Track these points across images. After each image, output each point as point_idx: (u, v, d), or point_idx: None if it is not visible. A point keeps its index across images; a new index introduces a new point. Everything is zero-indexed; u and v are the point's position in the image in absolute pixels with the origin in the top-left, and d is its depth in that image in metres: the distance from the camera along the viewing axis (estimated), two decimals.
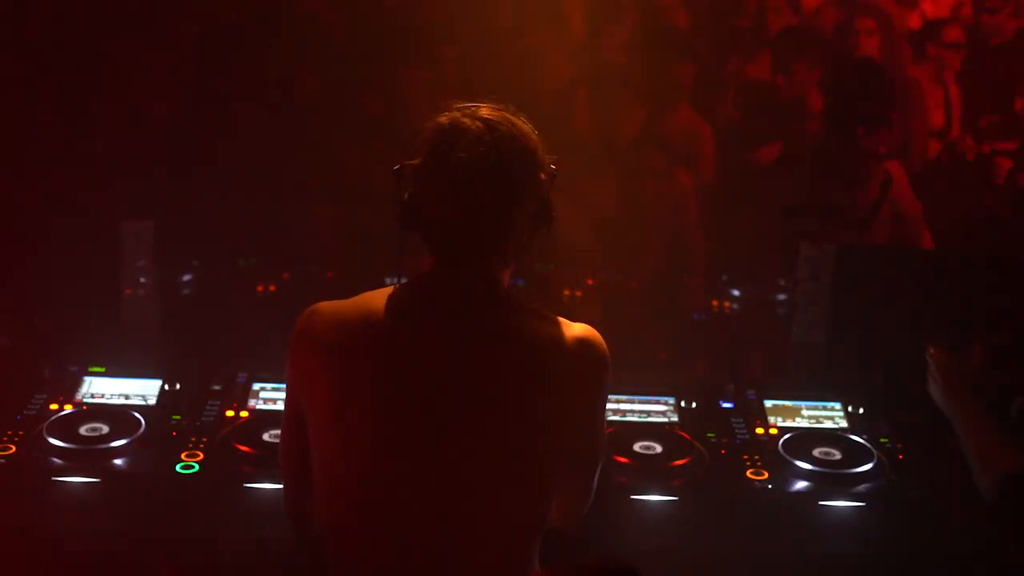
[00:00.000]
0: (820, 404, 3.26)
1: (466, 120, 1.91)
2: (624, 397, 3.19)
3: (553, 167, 1.99)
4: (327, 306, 1.97)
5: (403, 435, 1.87)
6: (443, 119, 1.93)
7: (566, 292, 3.77)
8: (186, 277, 3.81)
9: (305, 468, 2.02)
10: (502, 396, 1.88)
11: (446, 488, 1.87)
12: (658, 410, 3.20)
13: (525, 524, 1.92)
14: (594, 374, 1.95)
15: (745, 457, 2.99)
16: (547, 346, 1.91)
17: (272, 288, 3.83)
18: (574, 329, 1.95)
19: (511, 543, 1.91)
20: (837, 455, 2.99)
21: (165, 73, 4.40)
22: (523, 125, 1.94)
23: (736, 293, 3.86)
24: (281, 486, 2.80)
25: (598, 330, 2.02)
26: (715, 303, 3.86)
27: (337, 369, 1.90)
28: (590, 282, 3.85)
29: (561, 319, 1.96)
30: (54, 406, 3.08)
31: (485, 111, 1.93)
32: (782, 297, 3.80)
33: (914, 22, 5.51)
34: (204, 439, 2.96)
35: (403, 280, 1.98)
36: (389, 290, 1.95)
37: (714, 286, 3.85)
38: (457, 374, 1.88)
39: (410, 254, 1.97)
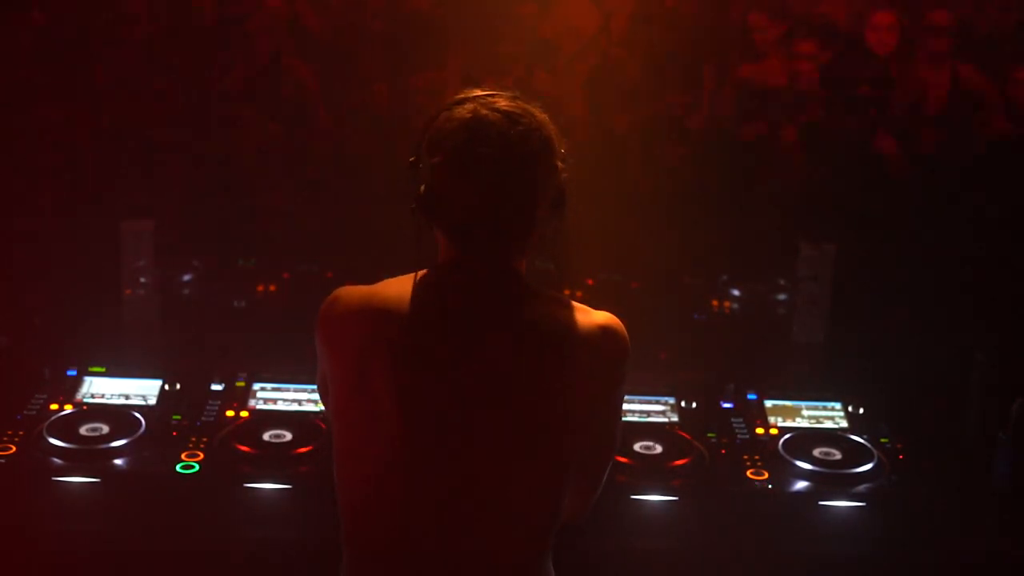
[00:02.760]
0: (820, 404, 3.26)
1: (486, 112, 1.90)
2: (624, 397, 3.18)
3: (563, 151, 1.99)
4: (349, 292, 1.96)
5: (418, 426, 1.87)
6: (463, 112, 1.91)
7: (566, 292, 3.76)
8: (186, 277, 3.81)
9: None
10: (521, 385, 1.87)
11: (461, 481, 1.86)
12: (658, 410, 3.20)
13: (541, 517, 1.91)
14: (615, 362, 1.94)
15: (745, 457, 2.99)
16: (569, 333, 1.90)
17: (272, 288, 3.83)
18: (595, 316, 1.94)
19: (526, 538, 1.90)
20: (837, 455, 2.99)
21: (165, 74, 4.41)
22: (540, 115, 1.94)
23: (736, 293, 3.86)
24: (281, 486, 2.82)
25: None
26: (715, 303, 3.86)
27: (355, 357, 1.90)
28: (590, 282, 3.85)
29: (581, 305, 1.95)
30: (54, 406, 3.08)
31: (503, 102, 1.91)
32: (782, 297, 3.80)
33: None
34: (204, 439, 2.96)
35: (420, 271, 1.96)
36: (409, 279, 1.94)
37: (714, 286, 3.85)
38: (475, 366, 1.87)
39: (426, 247, 1.96)
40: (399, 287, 1.94)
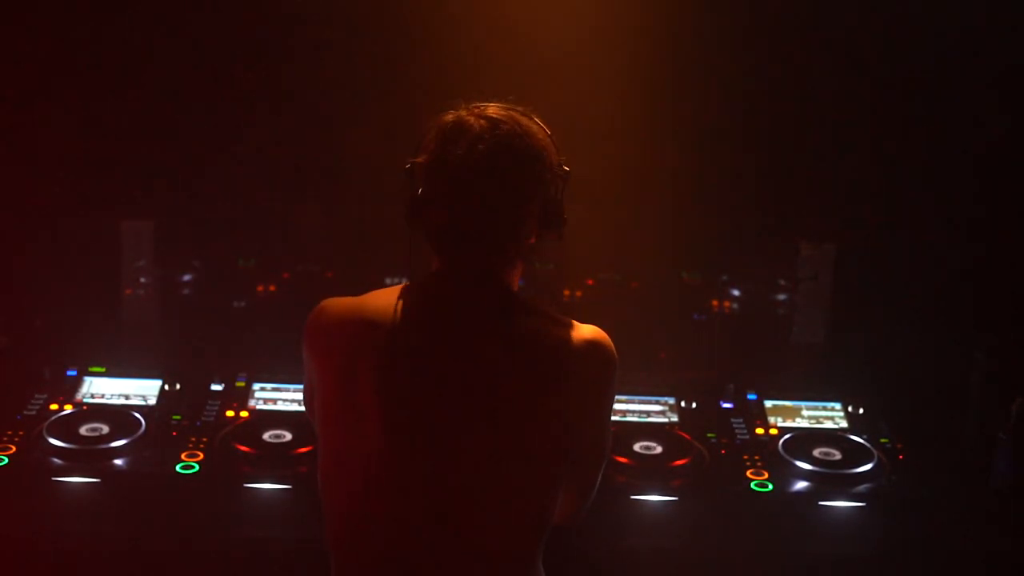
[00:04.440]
0: (820, 404, 3.26)
1: (470, 118, 1.90)
2: (624, 397, 3.19)
3: (566, 168, 1.98)
4: (335, 303, 1.96)
5: (403, 438, 1.87)
6: (449, 117, 1.92)
7: (566, 292, 3.76)
8: (186, 277, 3.81)
9: None
10: (508, 398, 1.87)
11: (447, 490, 1.85)
12: (658, 410, 3.20)
13: (529, 527, 1.91)
14: (603, 377, 1.94)
15: (745, 457, 2.99)
16: (555, 348, 1.90)
17: (272, 288, 3.83)
18: (583, 331, 1.94)
19: (513, 545, 1.90)
20: (837, 455, 2.99)
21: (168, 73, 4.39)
22: (531, 124, 1.93)
23: (736, 293, 3.86)
24: (281, 486, 2.82)
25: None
26: (715, 303, 3.85)
27: (341, 367, 1.90)
28: (590, 282, 3.84)
29: (568, 319, 1.95)
30: (54, 406, 3.08)
31: (492, 110, 1.92)
32: (782, 297, 3.80)
33: None
34: (204, 439, 2.96)
35: (407, 280, 1.97)
36: (396, 290, 1.95)
37: (714, 286, 3.85)
38: (460, 376, 1.87)
39: (419, 254, 1.96)
40: (386, 298, 1.94)
